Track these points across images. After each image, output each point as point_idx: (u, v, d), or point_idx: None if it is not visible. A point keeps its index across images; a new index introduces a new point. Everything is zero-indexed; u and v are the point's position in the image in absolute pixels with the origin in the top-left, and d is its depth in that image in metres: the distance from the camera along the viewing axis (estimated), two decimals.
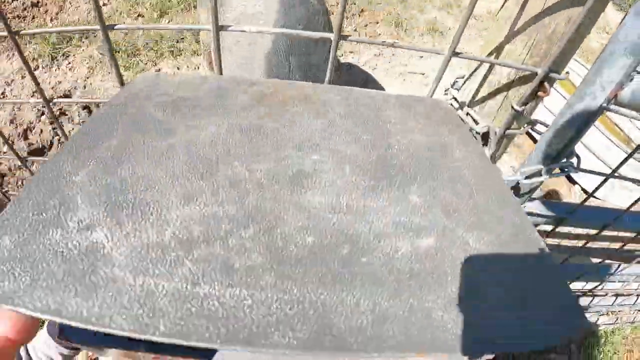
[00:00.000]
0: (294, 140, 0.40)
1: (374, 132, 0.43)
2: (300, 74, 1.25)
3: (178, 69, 2.65)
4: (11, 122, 2.36)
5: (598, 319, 1.67)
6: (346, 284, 0.28)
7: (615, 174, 0.78)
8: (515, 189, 0.82)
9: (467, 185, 0.38)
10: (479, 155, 0.43)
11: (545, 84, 0.60)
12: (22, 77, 2.61)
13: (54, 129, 2.28)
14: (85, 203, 0.31)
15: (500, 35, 0.58)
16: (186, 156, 0.37)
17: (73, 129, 2.26)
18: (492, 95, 0.63)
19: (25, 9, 3.15)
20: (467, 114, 0.65)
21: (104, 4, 3.19)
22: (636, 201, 0.95)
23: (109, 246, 0.28)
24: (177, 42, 2.83)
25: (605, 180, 0.81)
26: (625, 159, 0.72)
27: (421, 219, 0.34)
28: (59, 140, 2.23)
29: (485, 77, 0.62)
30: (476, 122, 0.65)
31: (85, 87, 2.53)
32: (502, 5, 0.58)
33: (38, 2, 3.22)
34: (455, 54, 0.40)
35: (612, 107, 0.68)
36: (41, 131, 2.30)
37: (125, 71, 2.57)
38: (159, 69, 2.64)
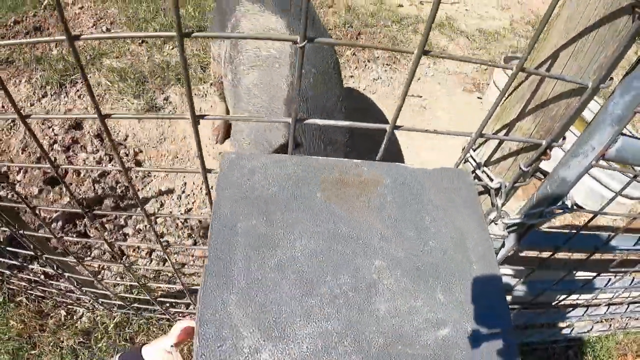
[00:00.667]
0: (362, 246, 0.56)
1: (417, 227, 0.59)
2: (317, 117, 1.38)
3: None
4: (23, 150, 2.44)
5: (592, 326, 1.83)
6: None
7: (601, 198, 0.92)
8: (521, 225, 0.97)
9: (472, 283, 0.55)
10: (486, 247, 0.59)
11: (547, 150, 0.74)
12: (31, 105, 2.70)
13: (68, 157, 2.37)
14: (247, 331, 0.47)
15: (513, 112, 0.72)
16: (294, 274, 0.52)
17: (87, 157, 2.35)
18: (504, 158, 0.78)
19: (27, 32, 3.23)
20: (483, 171, 0.79)
21: (108, 29, 3.29)
22: (616, 232, 1.10)
23: None
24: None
25: (601, 210, 0.97)
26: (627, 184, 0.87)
27: (442, 314, 0.50)
28: (74, 171, 2.31)
29: (499, 144, 0.77)
30: (491, 179, 0.79)
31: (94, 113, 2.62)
32: (515, 89, 0.72)
33: (40, 26, 3.31)
34: (425, 52, 0.49)
35: (601, 162, 0.83)
36: (55, 159, 2.39)
37: (135, 99, 2.67)
38: (167, 97, 2.74)
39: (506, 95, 0.75)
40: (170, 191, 2.26)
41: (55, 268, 1.32)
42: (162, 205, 2.21)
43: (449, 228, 0.61)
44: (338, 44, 0.54)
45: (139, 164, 2.41)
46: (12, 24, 3.26)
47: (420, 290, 0.52)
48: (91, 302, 1.68)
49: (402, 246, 0.57)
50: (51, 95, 2.73)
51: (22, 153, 2.44)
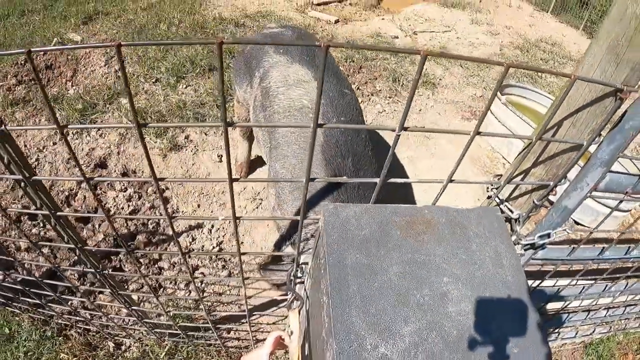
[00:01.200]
0: (433, 268, 0.79)
1: (467, 251, 0.83)
2: (350, 159, 1.62)
3: (205, 134, 2.99)
4: (50, 188, 2.63)
5: (595, 329, 2.08)
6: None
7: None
8: (533, 245, 1.22)
9: (508, 288, 0.79)
10: (516, 262, 0.84)
11: (554, 189, 1.00)
12: (54, 144, 2.89)
13: (96, 195, 2.57)
14: (367, 334, 0.70)
15: (528, 162, 0.99)
16: (392, 291, 0.75)
17: (116, 195, 2.55)
18: (521, 195, 1.04)
19: (39, 71, 3.44)
20: (505, 206, 1.05)
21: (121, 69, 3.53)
22: (610, 244, 1.37)
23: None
24: (198, 107, 3.19)
25: (597, 226, 1.22)
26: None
27: (492, 310, 0.75)
28: (102, 207, 2.51)
29: (516, 186, 1.03)
30: (511, 211, 1.04)
31: (118, 153, 2.83)
32: (528, 145, 0.98)
33: (52, 64, 3.52)
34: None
35: (594, 194, 1.09)
36: (84, 198, 2.58)
37: (157, 138, 2.89)
38: (187, 136, 2.97)
39: (521, 150, 1.02)
40: (199, 226, 2.47)
41: (124, 302, 1.52)
42: (193, 239, 2.41)
43: (489, 251, 0.85)
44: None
45: (167, 200, 2.62)
46: (22, 62, 3.46)
47: (474, 297, 0.76)
48: (142, 332, 1.87)
49: (459, 266, 0.81)
50: (73, 134, 2.92)
51: (50, 192, 2.63)
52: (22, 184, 1.03)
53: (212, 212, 2.59)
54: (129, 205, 2.53)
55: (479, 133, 0.72)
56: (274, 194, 1.78)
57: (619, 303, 1.99)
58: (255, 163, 2.92)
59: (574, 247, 1.42)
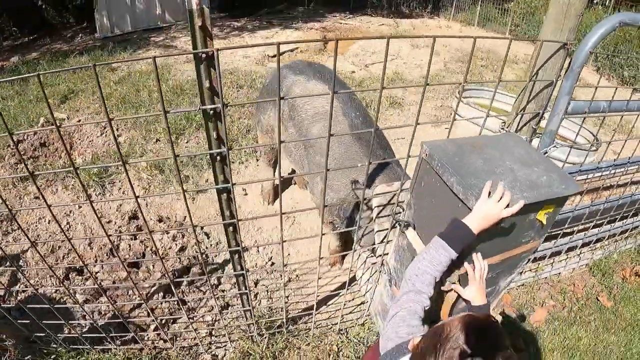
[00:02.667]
0: (497, 159, 1.45)
1: (510, 152, 1.51)
2: (362, 142, 2.35)
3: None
4: (90, 245, 3.01)
5: (593, 253, 2.81)
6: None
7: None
8: None
9: (540, 165, 1.47)
10: (537, 152, 1.53)
11: (543, 116, 1.73)
12: (79, 207, 3.28)
13: (141, 241, 2.99)
14: (475, 179, 1.34)
15: (524, 102, 1.71)
16: (484, 169, 1.39)
17: (161, 238, 3.00)
18: (524, 125, 1.76)
19: (35, 149, 3.84)
20: (506, 130, 1.76)
21: (119, 135, 4.04)
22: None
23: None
24: (207, 156, 3.76)
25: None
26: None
27: (534, 176, 1.43)
28: (153, 251, 2.94)
29: (520, 120, 1.75)
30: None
31: (147, 205, 3.29)
32: (524, 89, 1.72)
33: (45, 142, 3.95)
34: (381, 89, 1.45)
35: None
36: (129, 246, 2.99)
37: (179, 185, 3.40)
38: (207, 179, 3.51)
39: (517, 98, 1.75)
40: (246, 249, 2.97)
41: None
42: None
43: (520, 150, 1.52)
44: (353, 91, 1.49)
45: (207, 235, 3.10)
46: (15, 143, 3.86)
47: (525, 169, 1.42)
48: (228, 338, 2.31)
49: (509, 157, 1.47)
50: (96, 195, 3.35)
51: (90, 249, 3.00)
52: None
53: (251, 236, 3.10)
54: (176, 245, 2.99)
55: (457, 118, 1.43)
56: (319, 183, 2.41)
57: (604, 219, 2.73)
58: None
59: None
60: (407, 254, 1.73)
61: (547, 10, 1.55)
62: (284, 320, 2.20)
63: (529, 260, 2.32)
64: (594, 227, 2.63)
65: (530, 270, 2.79)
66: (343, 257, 3.02)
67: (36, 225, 3.09)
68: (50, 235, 3.05)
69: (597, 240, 2.75)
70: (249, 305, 1.96)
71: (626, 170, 2.35)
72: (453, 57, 6.99)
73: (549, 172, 1.42)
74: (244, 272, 1.70)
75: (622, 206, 2.51)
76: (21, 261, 2.86)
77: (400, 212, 1.74)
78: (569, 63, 1.63)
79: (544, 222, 1.46)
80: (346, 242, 2.87)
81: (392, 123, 4.67)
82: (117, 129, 4.11)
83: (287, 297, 2.69)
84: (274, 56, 6.71)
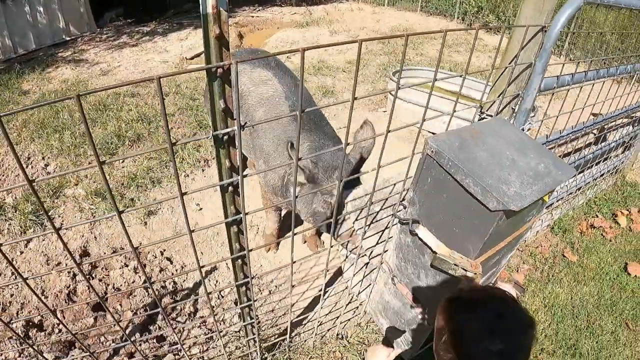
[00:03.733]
0: (498, 149, 1.47)
1: (504, 137, 1.53)
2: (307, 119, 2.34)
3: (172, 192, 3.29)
4: (44, 294, 2.67)
5: (552, 213, 3.03)
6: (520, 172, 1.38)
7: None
8: None
9: (531, 149, 1.52)
10: (526, 136, 1.57)
11: (521, 96, 1.77)
12: (21, 253, 2.90)
13: (100, 280, 2.71)
14: (482, 171, 1.34)
15: (504, 83, 1.74)
16: (490, 161, 1.40)
17: (122, 273, 2.73)
18: (504, 107, 1.79)
19: None
20: (487, 115, 1.79)
21: (47, 164, 3.59)
22: None
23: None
24: (147, 173, 3.49)
25: None
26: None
27: (533, 163, 1.46)
28: (115, 289, 2.66)
29: (500, 102, 1.78)
30: (490, 116, 1.79)
31: (95, 238, 2.97)
32: (505, 70, 1.74)
33: None
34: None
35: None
36: (88, 288, 2.69)
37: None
38: (154, 198, 3.24)
39: (497, 77, 1.78)
40: (215, 268, 2.81)
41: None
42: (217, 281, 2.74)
43: (512, 135, 1.55)
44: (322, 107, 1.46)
45: (169, 260, 2.88)
46: None
47: (524, 158, 1.44)
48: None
49: (505, 144, 1.49)
50: (39, 238, 2.97)
51: (45, 298, 2.67)
52: None
53: (216, 253, 2.94)
54: (139, 277, 2.74)
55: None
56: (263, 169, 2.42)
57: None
58: None
59: None
60: (414, 250, 1.72)
61: None
62: (288, 337, 2.10)
63: None
64: None
65: None
66: (279, 240, 3.05)
67: None
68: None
69: (557, 200, 2.94)
70: (253, 334, 1.84)
71: (576, 135, 2.53)
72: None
73: (544, 158, 1.48)
74: (251, 302, 1.58)
75: (578, 167, 2.71)
76: None
77: (400, 211, 1.70)
78: (541, 44, 1.68)
79: (547, 200, 1.52)
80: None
81: (334, 111, 4.66)
82: (44, 158, 3.66)
83: (272, 310, 2.58)
84: (192, 58, 6.41)
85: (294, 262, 1.50)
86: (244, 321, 1.71)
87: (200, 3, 0.82)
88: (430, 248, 1.58)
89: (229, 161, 1.05)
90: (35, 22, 6.80)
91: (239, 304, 1.59)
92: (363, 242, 1.91)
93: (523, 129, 1.91)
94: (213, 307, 2.59)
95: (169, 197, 1.17)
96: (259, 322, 2.54)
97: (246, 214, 1.20)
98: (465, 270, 1.44)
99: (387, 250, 1.96)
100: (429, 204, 1.57)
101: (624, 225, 3.21)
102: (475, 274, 1.44)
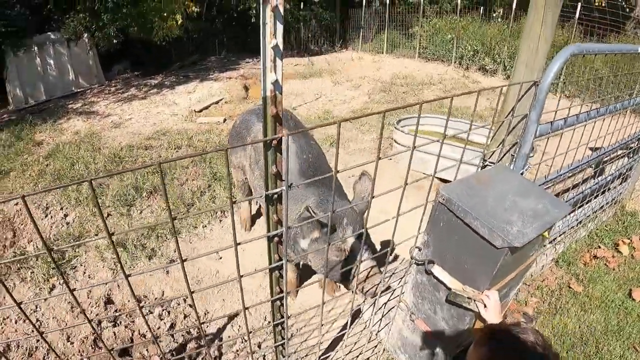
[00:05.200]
0: (503, 194, 1.69)
1: (509, 182, 1.76)
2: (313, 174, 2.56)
3: (190, 242, 3.49)
4: (69, 340, 2.81)
5: (555, 247, 3.21)
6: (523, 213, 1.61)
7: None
8: None
9: (531, 192, 1.75)
10: (526, 180, 1.81)
11: (518, 143, 2.02)
12: (45, 300, 3.05)
13: (126, 326, 2.85)
14: (488, 216, 1.57)
15: (502, 135, 1.98)
16: (495, 205, 1.62)
17: (147, 319, 2.88)
18: (503, 155, 2.03)
19: None
20: (488, 161, 2.02)
21: (65, 215, 3.80)
22: None
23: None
24: (166, 224, 3.69)
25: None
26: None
27: (533, 205, 1.69)
28: (140, 334, 2.81)
29: (500, 150, 2.02)
30: (492, 164, 2.02)
31: (118, 286, 3.14)
32: (499, 127, 1.99)
33: None
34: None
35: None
36: (115, 334, 2.84)
37: (149, 260, 3.29)
38: (174, 249, 3.43)
39: (492, 134, 2.02)
40: (237, 314, 2.97)
41: None
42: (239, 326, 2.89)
43: (514, 180, 1.78)
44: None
45: (191, 306, 3.03)
46: None
47: (525, 200, 1.66)
48: None
49: (510, 189, 1.71)
50: (60, 284, 3.13)
51: (70, 344, 2.81)
52: None
53: (238, 299, 3.10)
54: (164, 323, 2.89)
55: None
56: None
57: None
58: (255, 217, 3.72)
59: None
60: (429, 287, 1.91)
61: (518, 55, 1.84)
62: None
63: None
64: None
65: None
66: (297, 287, 3.23)
67: (2, 327, 2.82)
68: (23, 337, 2.79)
69: (560, 235, 3.14)
70: None
71: (573, 173, 2.76)
72: (375, 88, 7.50)
73: (542, 199, 1.71)
74: (284, 341, 1.75)
75: (577, 202, 2.92)
76: None
77: (416, 253, 1.90)
78: (535, 95, 1.93)
79: (547, 235, 1.73)
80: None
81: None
82: (62, 209, 3.88)
83: (295, 352, 2.72)
84: (200, 111, 6.75)
85: (324, 303, 1.69)
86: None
87: (262, 88, 1.06)
88: (444, 284, 1.77)
89: (277, 216, 1.27)
90: (45, 74, 7.19)
91: (274, 342, 1.76)
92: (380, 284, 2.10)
93: (522, 173, 2.14)
94: (239, 350, 2.76)
95: (225, 248, 1.37)
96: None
97: (288, 261, 1.41)
98: (476, 302, 1.63)
99: (404, 292, 2.14)
100: (441, 245, 1.78)
101: (626, 254, 3.39)
102: (484, 304, 1.63)
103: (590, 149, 3.08)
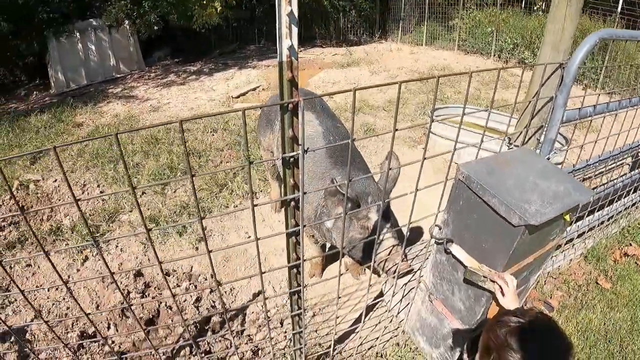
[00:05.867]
0: (523, 176, 1.70)
1: (530, 164, 1.77)
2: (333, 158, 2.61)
3: (221, 220, 3.62)
4: (98, 308, 2.98)
5: (585, 242, 3.16)
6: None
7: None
8: None
9: (554, 175, 1.74)
10: (550, 164, 1.81)
11: (544, 127, 2.01)
12: (77, 270, 3.23)
13: (153, 297, 3.00)
14: (510, 195, 1.59)
15: (527, 119, 1.99)
16: (515, 187, 1.63)
17: (174, 291, 3.02)
18: (529, 139, 2.03)
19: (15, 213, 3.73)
20: (515, 146, 2.02)
21: (102, 192, 4.00)
22: None
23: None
24: (199, 202, 3.83)
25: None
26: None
27: (554, 188, 1.69)
28: (167, 307, 2.95)
29: (526, 134, 2.02)
30: (516, 146, 2.02)
31: (149, 260, 3.30)
32: (524, 111, 1.99)
33: (23, 206, 3.82)
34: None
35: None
36: (142, 305, 2.99)
37: (181, 236, 3.44)
38: (205, 227, 3.57)
39: (521, 113, 2.03)
40: (259, 293, 3.06)
41: None
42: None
43: (537, 163, 1.78)
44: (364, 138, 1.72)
45: (219, 283, 3.15)
46: None
47: (546, 182, 1.67)
48: None
49: (531, 171, 1.72)
50: (93, 256, 3.31)
51: (100, 313, 2.97)
52: None
53: (270, 282, 3.21)
54: (191, 296, 3.02)
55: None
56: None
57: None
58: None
59: None
60: (448, 267, 1.93)
61: (544, 36, 1.84)
62: (332, 351, 2.31)
63: None
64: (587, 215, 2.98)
65: None
66: (323, 269, 3.31)
67: (35, 294, 3.02)
68: (53, 304, 2.99)
69: (589, 230, 3.09)
70: (300, 344, 2.07)
71: (605, 165, 2.71)
72: (412, 77, 7.46)
73: (564, 182, 1.70)
74: (301, 311, 1.82)
75: (608, 195, 2.87)
76: (27, 334, 2.78)
77: (436, 231, 1.94)
78: (561, 80, 1.93)
79: (568, 219, 1.73)
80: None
81: (369, 148, 4.96)
82: (99, 186, 4.08)
83: (316, 331, 2.80)
84: (238, 97, 6.89)
85: (341, 274, 1.75)
86: (293, 330, 1.95)
87: (278, 53, 1.12)
88: (461, 263, 1.80)
89: (293, 179, 1.34)
90: (87, 60, 7.51)
91: (291, 311, 1.84)
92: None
93: (548, 158, 2.14)
94: (259, 326, 2.86)
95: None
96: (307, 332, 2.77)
97: (304, 226, 1.47)
98: (493, 282, 1.65)
99: (424, 272, 2.18)
100: (460, 224, 1.80)
101: None
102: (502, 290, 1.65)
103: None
